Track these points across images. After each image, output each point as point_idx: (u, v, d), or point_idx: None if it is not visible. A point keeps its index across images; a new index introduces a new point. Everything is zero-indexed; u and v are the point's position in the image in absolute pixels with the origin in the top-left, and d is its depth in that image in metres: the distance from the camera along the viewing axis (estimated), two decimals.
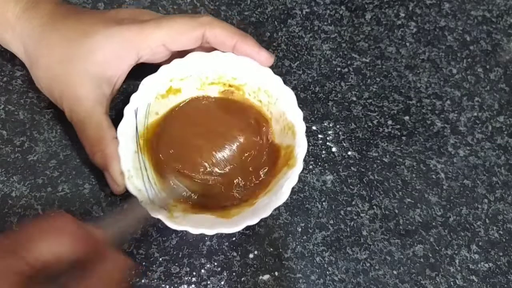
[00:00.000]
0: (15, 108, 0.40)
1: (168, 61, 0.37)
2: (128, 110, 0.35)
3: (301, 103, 0.44)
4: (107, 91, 0.36)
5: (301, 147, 0.35)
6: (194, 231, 0.33)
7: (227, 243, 0.38)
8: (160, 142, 0.37)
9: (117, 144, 0.34)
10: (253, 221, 0.33)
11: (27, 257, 0.23)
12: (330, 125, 0.44)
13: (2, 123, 0.40)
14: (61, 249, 0.24)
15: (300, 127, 0.36)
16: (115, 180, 0.35)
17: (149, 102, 0.37)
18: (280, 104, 0.38)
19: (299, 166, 0.35)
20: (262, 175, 0.37)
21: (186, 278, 0.37)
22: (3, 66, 0.42)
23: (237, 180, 0.37)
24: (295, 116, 0.36)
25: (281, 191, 0.34)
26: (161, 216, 0.32)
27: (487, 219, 0.42)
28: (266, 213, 0.33)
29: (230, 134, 0.38)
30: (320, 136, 0.43)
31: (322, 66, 0.46)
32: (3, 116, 0.40)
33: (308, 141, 0.42)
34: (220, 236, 0.38)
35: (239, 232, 0.38)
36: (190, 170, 0.37)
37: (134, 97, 0.36)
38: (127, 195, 0.38)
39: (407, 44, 0.49)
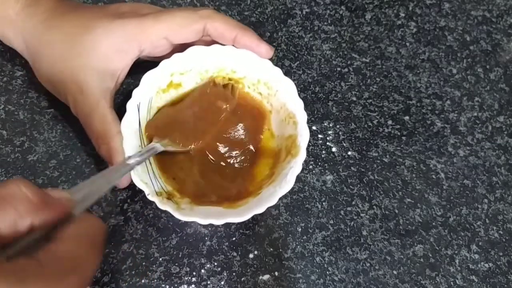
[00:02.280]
0: (15, 108, 0.40)
1: (169, 55, 0.37)
2: (130, 105, 0.35)
3: None
4: (110, 84, 0.36)
5: (303, 136, 0.36)
6: (203, 221, 0.33)
7: (227, 243, 0.38)
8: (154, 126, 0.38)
9: (121, 138, 0.34)
10: (260, 210, 0.33)
11: None
12: (330, 125, 0.44)
13: (2, 123, 0.40)
14: (17, 219, 0.22)
15: (302, 116, 0.36)
16: None
17: (150, 97, 0.37)
18: (280, 95, 0.38)
19: (302, 155, 0.35)
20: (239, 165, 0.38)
21: (186, 278, 0.37)
22: (3, 66, 0.42)
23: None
24: (296, 106, 0.37)
25: (286, 180, 0.34)
26: (169, 208, 0.33)
27: (487, 219, 0.42)
28: (272, 202, 0.33)
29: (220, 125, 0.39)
30: (320, 136, 0.43)
31: (322, 66, 0.46)
32: (3, 116, 0.40)
33: (308, 141, 0.42)
34: (220, 236, 0.38)
35: (239, 232, 0.38)
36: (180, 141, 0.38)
37: (136, 92, 0.36)
38: (126, 194, 0.39)
39: (407, 44, 0.49)
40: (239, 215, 0.33)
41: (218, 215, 0.33)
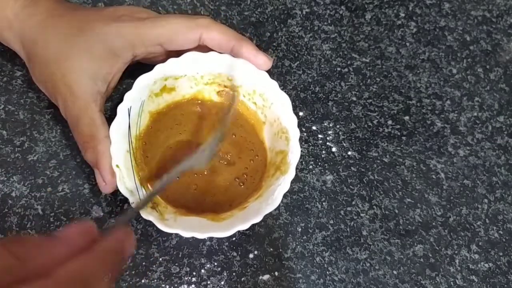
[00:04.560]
0: (15, 108, 0.40)
1: (164, 59, 0.37)
2: (121, 109, 0.35)
3: (301, 103, 0.44)
4: (102, 88, 0.36)
5: (294, 153, 0.35)
6: (185, 234, 0.32)
7: (227, 243, 0.38)
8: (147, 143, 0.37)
9: (109, 142, 0.34)
10: (244, 226, 0.33)
11: None
12: (330, 125, 0.44)
13: (2, 123, 0.40)
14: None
15: (294, 133, 0.36)
16: (103, 177, 0.34)
17: (142, 101, 0.37)
18: (275, 108, 0.37)
19: (291, 173, 0.35)
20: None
21: (186, 278, 0.37)
22: (3, 66, 0.42)
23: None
24: (290, 122, 0.36)
25: (273, 197, 0.34)
26: (152, 218, 0.32)
27: (487, 219, 0.42)
28: (257, 219, 0.33)
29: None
30: (320, 136, 0.43)
31: (322, 66, 0.46)
32: (3, 116, 0.40)
33: (308, 141, 0.42)
34: None
35: (239, 232, 0.38)
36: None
37: (127, 96, 0.35)
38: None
39: (407, 44, 0.49)
40: (223, 230, 0.33)
41: (201, 228, 0.33)
